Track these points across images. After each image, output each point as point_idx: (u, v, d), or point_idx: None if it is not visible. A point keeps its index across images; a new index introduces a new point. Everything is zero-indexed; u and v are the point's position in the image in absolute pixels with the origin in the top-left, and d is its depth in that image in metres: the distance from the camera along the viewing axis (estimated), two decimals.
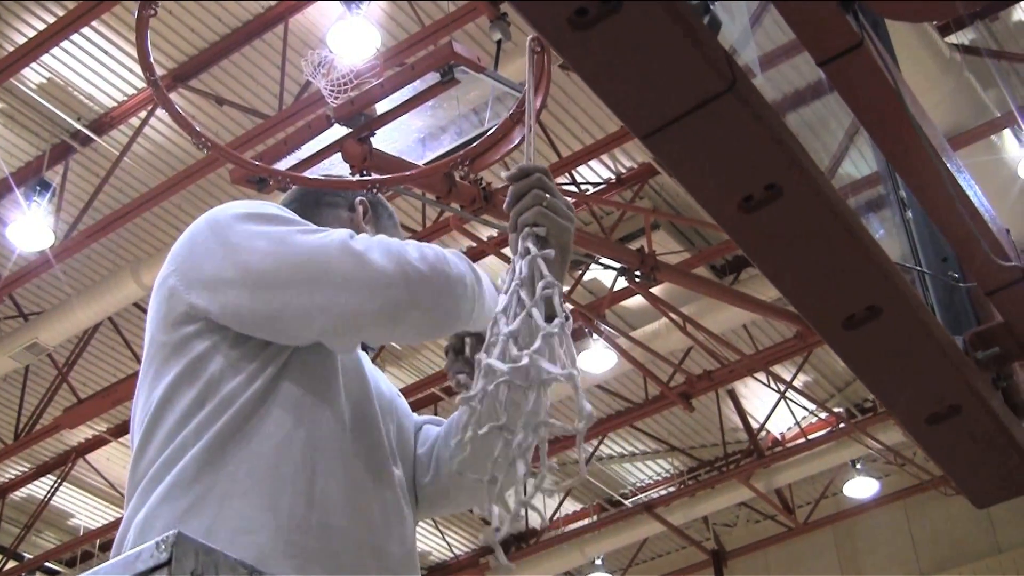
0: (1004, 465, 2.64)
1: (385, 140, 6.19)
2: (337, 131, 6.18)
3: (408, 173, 3.75)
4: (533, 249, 1.94)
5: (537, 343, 1.68)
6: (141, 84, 10.39)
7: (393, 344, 12.69)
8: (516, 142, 2.91)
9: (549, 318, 1.75)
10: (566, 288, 11.94)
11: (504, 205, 2.10)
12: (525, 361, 1.65)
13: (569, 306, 11.24)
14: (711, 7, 1.89)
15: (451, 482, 2.38)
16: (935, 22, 2.30)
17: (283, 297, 2.09)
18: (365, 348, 2.56)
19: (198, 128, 3.35)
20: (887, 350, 2.33)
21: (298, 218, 2.25)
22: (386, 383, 2.45)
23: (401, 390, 10.19)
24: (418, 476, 2.41)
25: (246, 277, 2.11)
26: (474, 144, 2.89)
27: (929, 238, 2.81)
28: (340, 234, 2.14)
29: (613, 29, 1.71)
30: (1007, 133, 10.48)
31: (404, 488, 2.29)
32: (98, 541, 14.92)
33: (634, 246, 9.88)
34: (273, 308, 2.10)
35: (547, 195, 2.11)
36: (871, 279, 2.18)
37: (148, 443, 2.11)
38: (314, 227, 2.19)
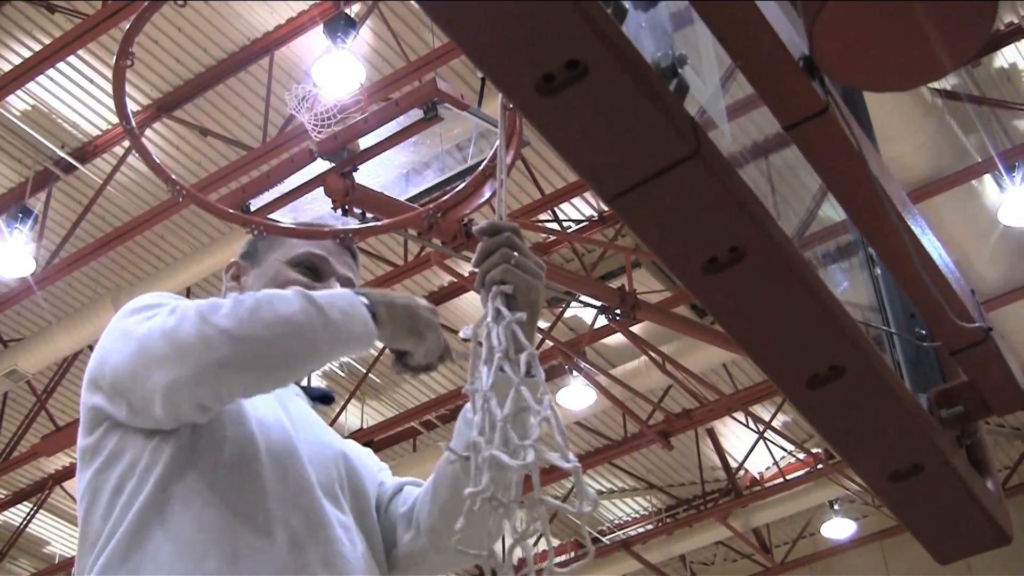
0: (967, 522, 2.66)
1: (368, 175, 6.24)
2: (320, 165, 6.23)
3: (380, 224, 3.77)
4: (505, 312, 1.96)
5: (535, 431, 1.69)
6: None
7: (372, 377, 12.70)
8: (486, 196, 2.94)
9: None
10: (546, 324, 12.00)
11: (472, 261, 2.14)
12: (531, 458, 1.65)
13: (548, 343, 11.29)
14: (679, 71, 1.92)
15: (431, 546, 2.39)
16: (901, 91, 2.31)
17: (127, 389, 2.19)
18: (323, 399, 2.62)
19: (173, 176, 3.38)
20: (850, 409, 2.35)
21: (165, 300, 2.31)
22: (331, 433, 2.49)
23: (381, 424, 10.26)
24: (399, 533, 2.43)
25: (103, 376, 2.24)
26: (445, 199, 2.91)
27: (898, 294, 2.83)
28: (168, 311, 2.20)
29: (580, 95, 1.73)
30: (988, 178, 10.56)
31: (349, 529, 2.29)
32: (73, 569, 14.85)
33: (615, 284, 9.93)
34: (126, 401, 2.19)
35: (515, 253, 2.16)
36: (834, 339, 2.20)
37: (83, 539, 2.22)
38: (166, 308, 2.23)
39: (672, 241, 2.01)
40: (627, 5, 1.82)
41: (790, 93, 2.00)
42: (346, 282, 2.67)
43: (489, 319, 1.94)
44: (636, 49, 1.77)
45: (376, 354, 12.45)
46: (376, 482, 2.51)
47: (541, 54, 1.70)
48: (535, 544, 1.68)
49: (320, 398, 2.65)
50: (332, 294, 2.24)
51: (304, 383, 2.65)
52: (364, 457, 2.55)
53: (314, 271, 2.64)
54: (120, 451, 2.22)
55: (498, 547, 1.68)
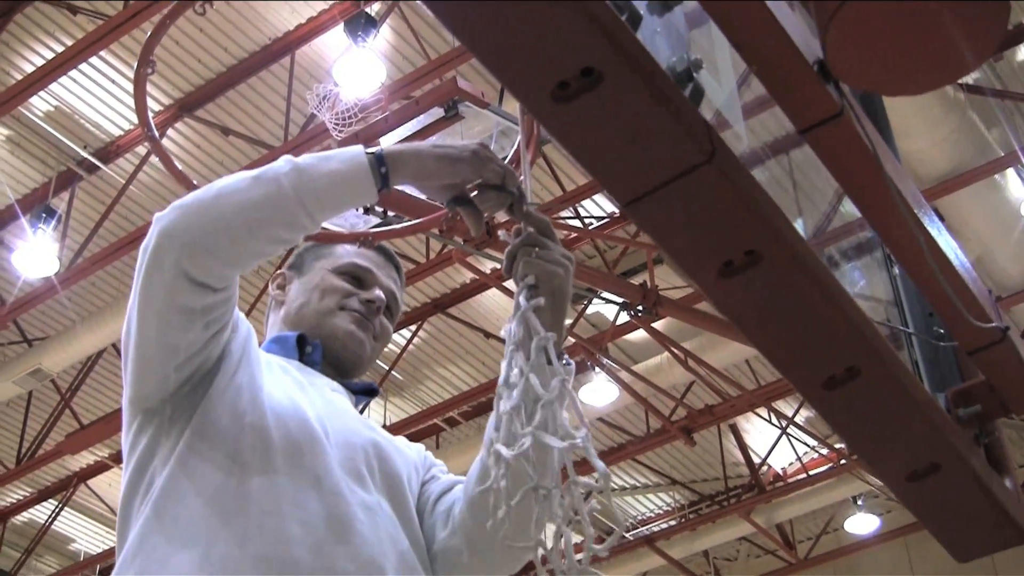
0: (985, 521, 2.66)
1: None
2: None
3: (399, 227, 3.79)
4: (523, 303, 1.98)
5: (536, 417, 1.70)
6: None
7: (395, 374, 12.72)
8: None
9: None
10: (569, 321, 12.00)
11: (503, 269, 2.16)
12: (528, 443, 1.67)
13: (571, 340, 11.29)
14: (694, 76, 1.93)
15: (465, 544, 2.35)
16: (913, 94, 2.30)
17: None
18: (364, 393, 2.64)
19: (195, 183, 3.41)
20: (867, 410, 2.36)
21: None
22: (365, 424, 2.51)
23: (404, 421, 10.30)
24: (437, 531, 2.41)
25: None
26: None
27: (916, 293, 2.84)
28: None
29: (594, 102, 1.74)
30: (1010, 172, 10.53)
31: (371, 509, 2.28)
32: (98, 566, 14.93)
33: (637, 281, 9.94)
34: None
35: (535, 247, 2.17)
36: (850, 341, 2.20)
37: (120, 534, 2.26)
38: None
39: (688, 245, 2.02)
40: (641, 11, 1.83)
41: (805, 97, 2.01)
42: (389, 295, 2.71)
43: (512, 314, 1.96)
44: (650, 55, 1.78)
45: (399, 351, 12.48)
46: (413, 469, 2.50)
47: (556, 62, 1.71)
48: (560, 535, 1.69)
49: (364, 391, 2.67)
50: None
51: (340, 376, 2.64)
52: (405, 448, 2.55)
53: (358, 280, 2.68)
54: (148, 445, 2.28)
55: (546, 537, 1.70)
